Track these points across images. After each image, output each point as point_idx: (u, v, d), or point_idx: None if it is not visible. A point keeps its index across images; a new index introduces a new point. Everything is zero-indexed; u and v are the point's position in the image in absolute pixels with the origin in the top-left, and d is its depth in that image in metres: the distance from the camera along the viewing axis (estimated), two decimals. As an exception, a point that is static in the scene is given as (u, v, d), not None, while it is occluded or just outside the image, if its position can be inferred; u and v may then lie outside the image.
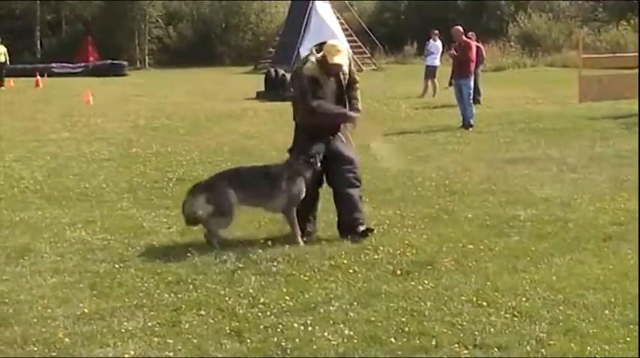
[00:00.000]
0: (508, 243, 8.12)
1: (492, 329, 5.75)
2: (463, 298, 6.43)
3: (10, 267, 7.53)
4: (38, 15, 62.97)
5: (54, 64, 49.33)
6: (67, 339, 5.68)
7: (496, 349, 5.45)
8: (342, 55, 8.53)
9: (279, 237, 8.42)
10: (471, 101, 18.70)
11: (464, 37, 19.29)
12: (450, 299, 6.41)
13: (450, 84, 19.02)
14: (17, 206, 10.33)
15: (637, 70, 20.59)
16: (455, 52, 19.04)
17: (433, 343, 5.53)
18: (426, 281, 6.87)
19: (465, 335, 5.65)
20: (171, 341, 5.64)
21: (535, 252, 7.80)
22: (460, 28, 19.49)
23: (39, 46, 62.72)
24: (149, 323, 5.98)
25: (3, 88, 35.15)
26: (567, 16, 52.24)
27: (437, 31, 27.85)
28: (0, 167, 13.50)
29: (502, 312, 6.10)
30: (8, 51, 37.62)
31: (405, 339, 5.61)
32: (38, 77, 37.89)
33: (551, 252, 7.76)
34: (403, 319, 5.99)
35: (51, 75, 44.14)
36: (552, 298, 6.41)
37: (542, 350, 5.40)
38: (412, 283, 6.85)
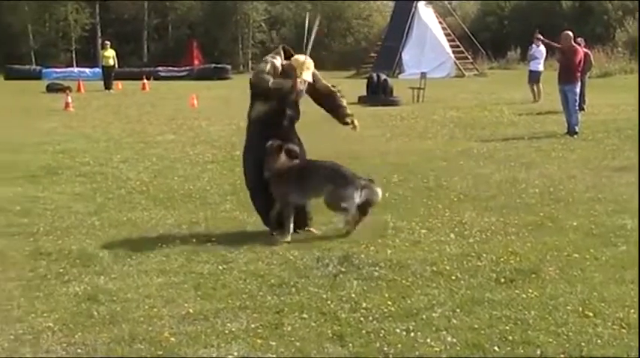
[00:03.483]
0: (615, 253, 7.90)
1: (599, 341, 5.60)
2: (568, 308, 6.28)
3: (118, 266, 7.69)
4: (146, 20, 64.23)
5: (160, 68, 50.44)
6: (172, 338, 5.75)
7: (603, 361, 5.31)
8: (310, 72, 9.05)
9: (380, 243, 8.41)
10: (577, 108, 18.29)
11: (572, 43, 18.83)
12: (554, 309, 6.27)
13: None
14: (124, 206, 10.58)
15: None
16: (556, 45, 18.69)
17: (538, 353, 5.42)
18: (530, 290, 6.74)
19: (570, 346, 5.52)
20: (273, 343, 5.65)
21: (643, 262, 7.58)
22: (570, 33, 19.00)
23: (146, 50, 64.00)
24: (252, 325, 6.01)
25: (112, 91, 36.01)
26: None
27: (540, 36, 27.32)
28: (108, 168, 13.86)
29: (609, 323, 5.92)
30: (117, 55, 38.50)
31: (508, 348, 5.51)
32: (145, 80, 38.69)
33: (660, 263, 7.53)
34: (507, 327, 5.88)
35: (157, 78, 45.16)
36: (662, 310, 6.21)
37: (651, 364, 5.25)
38: (516, 291, 6.73)
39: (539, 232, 8.84)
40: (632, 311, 6.18)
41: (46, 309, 6.44)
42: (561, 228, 9.03)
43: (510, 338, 5.68)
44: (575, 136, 17.41)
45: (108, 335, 5.84)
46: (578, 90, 18.50)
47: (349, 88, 34.53)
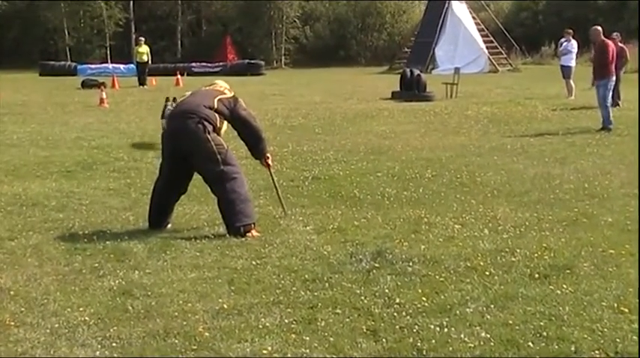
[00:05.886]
0: (651, 250, 7.85)
1: (635, 337, 5.54)
2: (604, 304, 6.23)
3: (152, 261, 7.74)
4: (180, 16, 64.52)
5: (194, 64, 50.59)
6: (206, 333, 5.78)
7: (639, 358, 5.27)
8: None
9: (414, 238, 8.40)
10: (607, 103, 18.07)
11: (602, 38, 18.66)
12: (589, 305, 6.22)
13: (593, 84, 18.50)
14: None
15: None
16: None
17: (572, 349, 5.38)
18: (564, 286, 6.70)
19: (605, 342, 5.47)
20: (307, 338, 5.66)
21: (680, 259, 7.50)
22: (599, 28, 18.87)
23: (179, 46, 64.29)
24: (286, 320, 6.02)
25: (146, 86, 36.19)
26: None
27: (570, 31, 27.07)
28: (142, 163, 13.95)
29: (645, 320, 5.89)
30: (151, 51, 38.69)
31: (543, 344, 5.48)
32: (179, 76, 38.85)
33: (697, 260, 7.45)
34: (541, 323, 5.85)
35: (190, 74, 45.28)
36: (699, 308, 6.15)
37: (688, 361, 5.19)
38: (550, 287, 6.69)
39: (574, 228, 8.78)
40: (669, 307, 6.13)
41: (81, 303, 6.50)
42: (596, 224, 8.96)
43: (545, 334, 5.65)
44: (610, 132, 17.26)
45: (142, 330, 5.88)
46: (610, 85, 18.29)
47: (382, 83, 34.64)
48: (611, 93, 18.45)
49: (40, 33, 61.00)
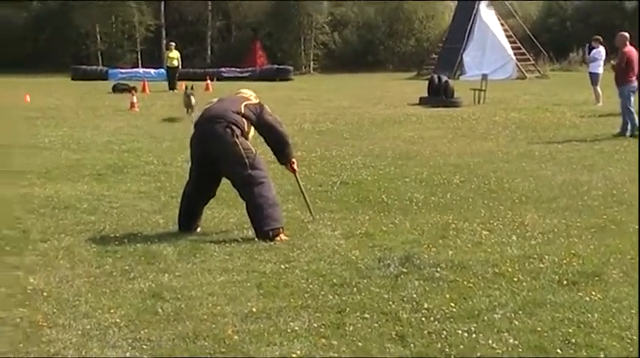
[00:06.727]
0: (680, 257, 7.77)
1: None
2: (632, 311, 6.18)
3: (182, 264, 7.77)
4: (209, 21, 64.76)
5: (223, 69, 50.73)
6: (235, 336, 5.79)
7: (668, 366, 5.23)
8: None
9: (442, 243, 8.38)
10: (629, 109, 17.93)
11: (627, 45, 18.53)
12: (618, 312, 6.17)
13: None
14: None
15: None
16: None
17: (602, 356, 5.35)
18: (593, 293, 6.65)
19: (634, 350, 5.43)
20: (335, 342, 5.66)
21: None
22: (626, 34, 18.75)
23: (209, 51, 64.50)
24: (314, 324, 6.02)
25: (176, 91, 36.29)
26: None
27: (599, 37, 26.85)
28: (172, 167, 14.00)
29: (674, 328, 5.84)
30: (181, 56, 38.86)
31: (571, 351, 5.45)
32: (208, 81, 38.95)
33: None
34: (570, 330, 5.81)
35: (220, 79, 45.39)
36: None
37: None
38: (579, 294, 6.64)
39: (603, 234, 8.72)
40: (698, 315, 6.08)
41: (112, 305, 6.55)
42: (625, 230, 8.90)
43: (573, 340, 5.62)
44: (624, 136, 17.31)
45: (172, 332, 5.91)
46: (627, 91, 18.12)
47: (410, 89, 34.58)
48: (632, 99, 18.25)
49: (73, 37, 61.50)
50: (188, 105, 23.42)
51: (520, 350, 5.49)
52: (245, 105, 9.10)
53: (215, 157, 8.90)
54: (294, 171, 9.84)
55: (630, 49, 18.53)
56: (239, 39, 66.51)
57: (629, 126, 17.80)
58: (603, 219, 9.49)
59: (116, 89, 36.96)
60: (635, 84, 18.43)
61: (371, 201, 10.85)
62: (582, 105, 25.79)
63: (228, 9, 66.30)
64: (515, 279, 7.08)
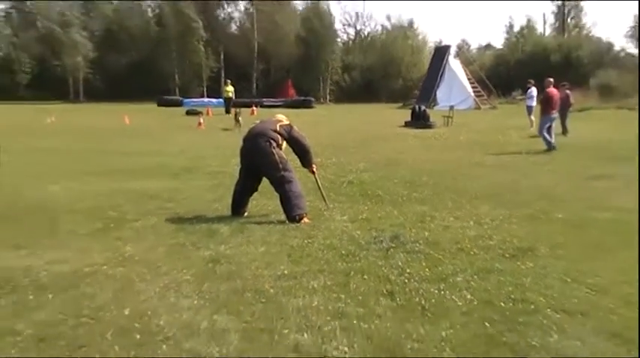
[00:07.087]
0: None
1: (575, 300, 5.47)
2: (554, 276, 6.12)
3: (234, 238, 7.76)
4: (255, 65, 64.91)
5: (264, 99, 50.78)
6: (271, 290, 5.81)
7: None
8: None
9: (420, 226, 8.34)
10: (544, 133, 17.84)
11: (551, 87, 18.58)
12: (544, 276, 6.13)
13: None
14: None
15: None
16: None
17: (532, 307, 5.34)
18: (527, 262, 6.59)
19: (555, 303, 5.39)
20: (343, 296, 5.66)
21: None
22: (551, 79, 18.88)
23: (255, 86, 64.68)
24: (328, 283, 6.02)
25: (230, 114, 36.35)
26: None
27: (532, 80, 26.88)
28: (228, 169, 13.94)
29: (584, 287, 5.79)
30: (235, 89, 38.95)
31: (511, 304, 5.44)
32: (253, 108, 38.97)
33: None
34: (510, 289, 5.79)
35: (262, 106, 45.39)
36: None
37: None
38: (517, 263, 6.57)
39: (534, 221, 8.65)
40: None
41: (184, 267, 6.56)
42: (550, 218, 8.82)
43: (512, 296, 5.61)
44: (555, 150, 17.27)
45: (227, 287, 5.93)
46: (548, 121, 18.03)
47: (398, 116, 34.45)
48: (549, 125, 18.10)
49: (158, 76, 61.87)
50: (237, 121, 26.06)
51: (475, 303, 5.48)
52: (280, 125, 9.11)
53: (258, 164, 8.92)
54: (314, 173, 9.84)
55: (552, 90, 18.59)
56: (276, 78, 66.73)
57: (552, 142, 17.69)
58: (535, 210, 9.41)
59: (188, 113, 37.06)
60: (555, 115, 18.43)
61: (369, 196, 10.81)
62: (522, 129, 25.59)
63: (268, 56, 66.52)
64: (472, 253, 7.05)
